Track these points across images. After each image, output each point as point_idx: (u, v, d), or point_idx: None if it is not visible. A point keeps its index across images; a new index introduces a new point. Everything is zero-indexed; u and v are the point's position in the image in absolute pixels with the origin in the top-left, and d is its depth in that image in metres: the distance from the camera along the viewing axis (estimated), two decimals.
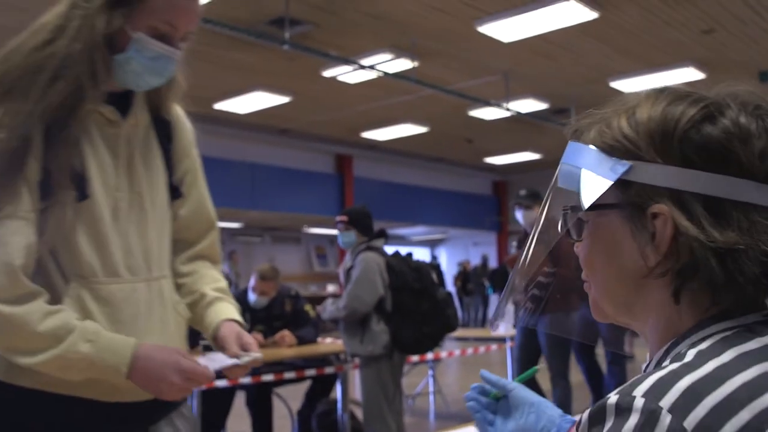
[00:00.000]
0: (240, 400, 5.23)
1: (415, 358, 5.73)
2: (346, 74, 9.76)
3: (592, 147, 0.83)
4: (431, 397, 7.11)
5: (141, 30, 1.42)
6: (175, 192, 1.64)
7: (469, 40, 8.64)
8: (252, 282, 5.16)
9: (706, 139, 0.76)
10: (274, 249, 18.10)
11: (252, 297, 5.14)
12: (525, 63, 9.65)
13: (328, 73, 9.75)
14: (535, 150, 15.52)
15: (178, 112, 1.69)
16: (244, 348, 1.54)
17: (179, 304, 1.62)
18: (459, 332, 7.12)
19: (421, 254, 21.73)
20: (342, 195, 15.45)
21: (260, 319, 5.19)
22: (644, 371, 0.77)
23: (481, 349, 7.16)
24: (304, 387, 5.37)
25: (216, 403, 4.69)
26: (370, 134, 14.01)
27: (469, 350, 7.09)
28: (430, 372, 7.13)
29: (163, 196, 1.60)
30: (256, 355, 1.53)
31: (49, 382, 1.41)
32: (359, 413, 5.08)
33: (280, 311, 5.23)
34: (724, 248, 0.73)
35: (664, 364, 0.74)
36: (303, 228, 18.07)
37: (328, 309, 4.51)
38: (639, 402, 0.67)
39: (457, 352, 7.32)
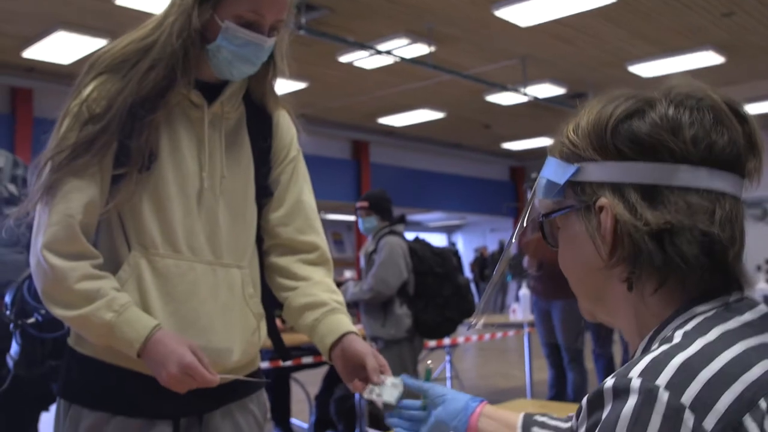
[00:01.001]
0: None
1: (432, 343, 5.75)
2: (363, 60, 9.75)
3: (551, 157, 0.92)
4: (448, 383, 7.13)
5: (228, 19, 1.47)
6: (265, 190, 1.67)
7: (486, 25, 8.59)
8: None
9: (635, 131, 0.82)
10: None
11: None
12: (542, 47, 9.59)
13: (344, 59, 9.74)
14: (552, 135, 15.25)
15: (283, 115, 1.72)
16: (382, 369, 1.51)
17: (253, 298, 1.63)
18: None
19: (438, 240, 21.73)
20: (359, 181, 15.45)
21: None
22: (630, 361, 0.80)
23: (498, 335, 7.16)
24: (321, 372, 5.40)
25: None
26: (386, 120, 13.99)
27: (486, 336, 7.10)
28: (448, 357, 7.15)
29: (246, 187, 1.62)
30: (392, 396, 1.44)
31: (106, 353, 1.48)
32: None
33: None
34: (657, 230, 0.79)
35: (653, 348, 0.78)
36: (320, 214, 18.10)
37: (351, 291, 4.52)
38: (636, 382, 0.70)
39: (474, 337, 7.33)
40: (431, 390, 1.28)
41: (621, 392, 0.71)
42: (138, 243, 1.50)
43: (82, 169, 1.44)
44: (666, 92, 0.85)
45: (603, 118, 0.85)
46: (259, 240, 1.70)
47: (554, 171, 0.89)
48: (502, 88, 10.94)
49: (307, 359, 4.84)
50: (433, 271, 4.58)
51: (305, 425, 5.60)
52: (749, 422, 0.68)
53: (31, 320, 1.69)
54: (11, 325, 1.73)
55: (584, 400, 0.75)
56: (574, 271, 0.92)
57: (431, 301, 4.52)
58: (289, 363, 4.75)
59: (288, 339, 4.77)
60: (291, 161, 1.72)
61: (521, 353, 6.56)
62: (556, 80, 11.33)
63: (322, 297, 1.63)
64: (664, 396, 0.68)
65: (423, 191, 16.62)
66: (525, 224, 1.01)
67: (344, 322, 1.61)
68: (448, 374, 7.19)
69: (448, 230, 22.90)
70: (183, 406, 1.52)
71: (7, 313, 1.76)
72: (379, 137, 15.56)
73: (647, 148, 0.81)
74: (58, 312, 1.44)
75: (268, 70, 1.63)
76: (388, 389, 1.45)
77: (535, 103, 11.88)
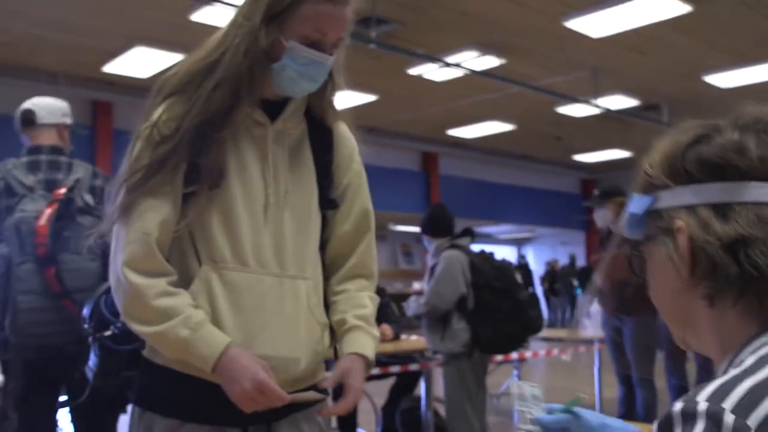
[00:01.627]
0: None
1: (499, 357, 5.71)
2: (432, 72, 9.79)
3: (634, 194, 0.95)
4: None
5: (293, 39, 1.53)
6: (331, 203, 1.71)
7: (556, 36, 8.54)
8: None
9: (702, 154, 0.86)
10: None
11: None
12: (614, 58, 9.47)
13: (414, 71, 9.81)
14: (624, 147, 15.19)
15: (342, 127, 1.77)
16: (347, 388, 1.57)
17: (317, 307, 1.67)
18: (545, 332, 7.04)
19: (508, 253, 21.56)
20: (428, 193, 15.48)
21: None
22: None
23: (567, 350, 7.06)
24: (388, 383, 5.42)
25: None
26: (456, 132, 14.01)
27: (555, 351, 7.00)
28: (515, 372, 7.08)
29: (310, 200, 1.67)
30: (319, 396, 1.59)
31: (179, 362, 1.54)
32: (443, 411, 5.09)
33: None
34: (729, 242, 0.81)
35: (721, 368, 0.81)
36: (389, 225, 18.17)
37: (412, 306, 4.57)
38: (703, 406, 0.71)
39: (542, 352, 7.24)
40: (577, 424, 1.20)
41: (689, 416, 0.71)
42: (208, 258, 1.56)
43: (155, 188, 1.51)
44: (734, 119, 0.88)
45: (673, 147, 0.89)
46: (323, 250, 1.73)
47: (635, 204, 0.94)
48: (573, 99, 10.82)
49: (374, 370, 4.88)
50: (491, 285, 4.54)
51: None
52: None
53: (108, 333, 1.75)
54: (90, 338, 1.80)
55: (655, 426, 0.76)
56: (662, 299, 0.94)
57: (489, 315, 4.48)
58: (377, 371, 4.81)
59: None
60: (356, 174, 1.76)
61: (591, 369, 6.46)
62: (628, 91, 11.16)
63: (346, 316, 1.68)
64: (729, 419, 0.69)
65: (492, 203, 16.54)
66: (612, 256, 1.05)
67: (350, 342, 1.65)
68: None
69: (518, 243, 22.69)
70: (251, 415, 1.55)
71: (86, 326, 1.83)
72: (449, 149, 15.58)
73: (715, 169, 0.85)
74: (137, 328, 1.50)
75: (327, 85, 1.66)
76: (534, 405, 1.42)
77: (607, 114, 11.72)
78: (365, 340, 1.65)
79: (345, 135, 1.76)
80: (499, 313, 4.48)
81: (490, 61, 9.23)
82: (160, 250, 1.52)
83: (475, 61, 9.23)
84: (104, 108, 10.90)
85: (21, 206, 2.63)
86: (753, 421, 0.68)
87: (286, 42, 1.52)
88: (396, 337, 5.27)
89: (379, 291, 5.49)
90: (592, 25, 8.08)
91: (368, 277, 1.76)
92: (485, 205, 16.35)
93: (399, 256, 19.13)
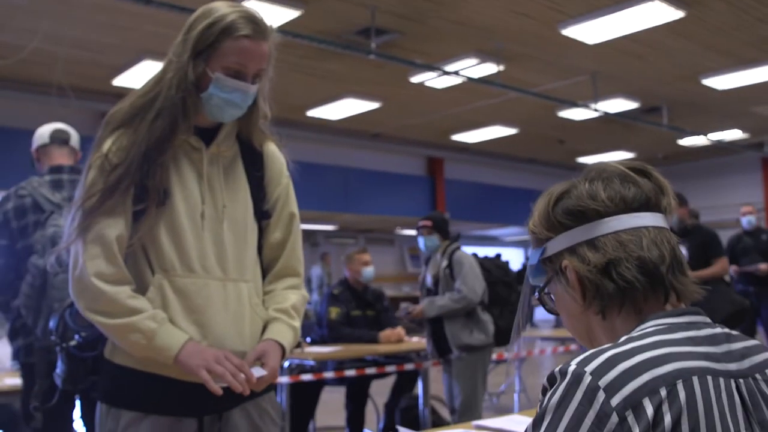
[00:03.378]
0: (331, 395, 5.52)
1: (506, 355, 5.94)
2: (434, 80, 9.96)
3: (530, 250, 1.20)
4: (515, 396, 7.18)
5: (217, 71, 1.76)
6: (264, 214, 1.96)
7: (554, 43, 8.70)
8: (360, 260, 5.58)
9: (567, 207, 1.13)
10: (369, 250, 18.36)
11: (366, 271, 5.55)
12: (612, 63, 9.63)
13: (415, 79, 9.98)
14: (628, 149, 15.32)
15: (271, 147, 2.01)
16: (261, 362, 1.82)
17: (258, 306, 1.91)
18: (552, 332, 7.19)
19: (515, 255, 21.69)
20: (434, 197, 15.63)
21: (357, 303, 5.57)
22: None
23: (572, 347, 7.19)
24: (388, 383, 5.62)
25: (304, 397, 5.00)
26: (460, 137, 14.16)
27: (560, 348, 7.17)
28: (517, 372, 7.20)
29: (245, 212, 1.91)
30: (261, 372, 1.79)
31: (137, 361, 1.76)
32: (440, 408, 5.29)
33: (372, 300, 5.59)
34: (602, 266, 1.07)
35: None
36: (396, 230, 18.34)
37: (439, 304, 4.69)
38: (572, 368, 0.97)
39: (548, 350, 7.41)
40: None
41: (562, 374, 0.97)
42: (159, 267, 1.78)
43: (111, 209, 1.73)
44: (584, 174, 1.16)
45: (545, 207, 1.15)
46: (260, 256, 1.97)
47: (532, 257, 1.20)
48: (573, 104, 10.97)
49: (371, 370, 5.07)
50: (502, 280, 4.85)
51: None
52: (647, 404, 0.91)
53: (73, 342, 1.98)
54: (57, 348, 2.03)
55: (545, 378, 1.00)
56: (570, 324, 1.18)
57: (505, 308, 4.79)
58: (353, 373, 5.00)
59: (353, 351, 5.02)
60: (284, 188, 2.00)
61: None
62: (628, 95, 11.30)
63: (269, 311, 1.92)
64: (587, 379, 0.93)
65: (498, 206, 16.67)
66: (529, 305, 1.33)
67: (268, 331, 1.89)
68: (517, 388, 7.25)
69: (525, 245, 22.80)
70: (205, 406, 1.80)
71: (52, 338, 2.06)
72: (454, 153, 15.73)
73: (578, 215, 1.11)
74: (102, 320, 1.71)
75: (254, 112, 1.90)
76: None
77: (609, 117, 11.85)
78: (281, 328, 1.89)
79: (274, 153, 2.00)
80: (510, 305, 4.78)
81: (490, 68, 9.38)
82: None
83: (474, 68, 9.39)
84: None
85: (52, 222, 2.86)
86: (603, 381, 0.93)
87: (212, 74, 1.75)
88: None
89: (380, 296, 5.72)
90: (588, 32, 8.24)
91: (295, 276, 2.00)
92: (491, 208, 16.48)
93: (406, 260, 19.30)
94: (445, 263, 4.78)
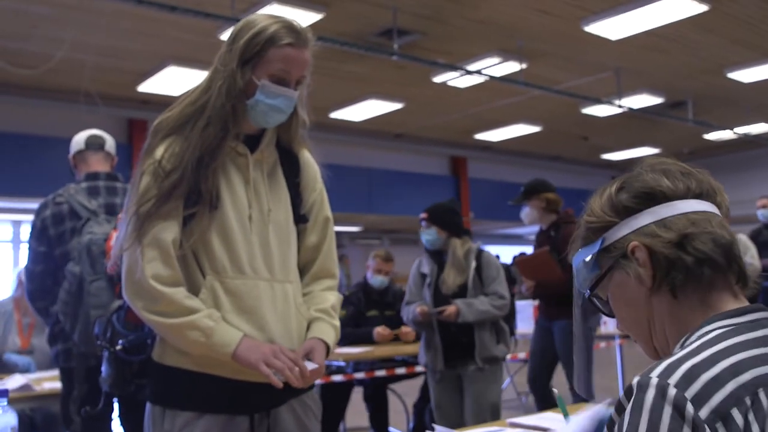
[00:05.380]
0: (358, 395, 5.55)
1: (521, 355, 5.90)
2: (456, 79, 9.95)
3: (576, 252, 1.20)
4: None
5: (263, 78, 1.84)
6: (302, 218, 2.03)
7: (577, 40, 8.67)
8: (373, 264, 5.63)
9: (633, 190, 1.13)
10: (393, 251, 18.06)
11: (372, 279, 5.59)
12: (636, 58, 9.58)
13: (438, 79, 9.98)
14: (653, 144, 15.21)
15: (306, 154, 2.08)
16: (308, 358, 1.88)
17: (302, 306, 1.98)
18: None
19: None
20: (458, 196, 15.59)
21: (374, 302, 5.59)
22: None
23: (602, 345, 7.15)
24: (418, 383, 5.63)
25: (334, 397, 5.04)
26: (483, 135, 14.15)
27: None
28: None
29: (287, 215, 1.98)
30: (312, 365, 1.86)
31: (189, 362, 1.82)
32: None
33: (392, 300, 5.59)
34: (678, 240, 1.07)
35: (674, 351, 1.04)
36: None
37: (480, 309, 4.09)
38: (654, 380, 0.95)
39: None
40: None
41: (643, 387, 0.95)
42: (211, 269, 1.84)
43: (166, 213, 1.79)
44: (641, 167, 1.16)
45: (606, 196, 1.16)
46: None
47: (584, 254, 1.18)
48: (597, 101, 10.91)
49: (400, 370, 5.08)
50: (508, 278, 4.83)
51: None
52: (736, 413, 0.91)
53: (119, 346, 2.03)
54: (104, 351, 2.08)
55: (622, 392, 1.00)
56: (628, 316, 1.16)
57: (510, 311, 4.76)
58: (383, 373, 5.02)
59: (383, 351, 5.04)
60: (319, 193, 2.08)
61: (614, 366, 6.57)
62: (653, 90, 11.23)
63: (310, 311, 1.99)
64: (672, 392, 0.92)
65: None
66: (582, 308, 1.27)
67: (312, 330, 1.97)
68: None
69: None
70: (256, 403, 1.87)
71: (98, 342, 2.12)
72: (477, 152, 15.70)
73: (646, 198, 1.11)
74: (161, 320, 1.77)
75: (294, 118, 1.97)
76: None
77: (633, 113, 11.78)
78: (323, 327, 1.96)
79: (309, 160, 2.07)
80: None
81: (512, 66, 9.36)
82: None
83: (497, 67, 9.37)
84: (140, 126, 11.22)
85: (88, 229, 2.90)
86: (689, 393, 0.92)
87: (258, 81, 1.83)
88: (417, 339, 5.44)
89: (402, 296, 5.68)
90: (611, 28, 8.20)
91: (331, 277, 2.07)
92: (516, 206, 16.39)
93: None
94: (474, 264, 4.26)
